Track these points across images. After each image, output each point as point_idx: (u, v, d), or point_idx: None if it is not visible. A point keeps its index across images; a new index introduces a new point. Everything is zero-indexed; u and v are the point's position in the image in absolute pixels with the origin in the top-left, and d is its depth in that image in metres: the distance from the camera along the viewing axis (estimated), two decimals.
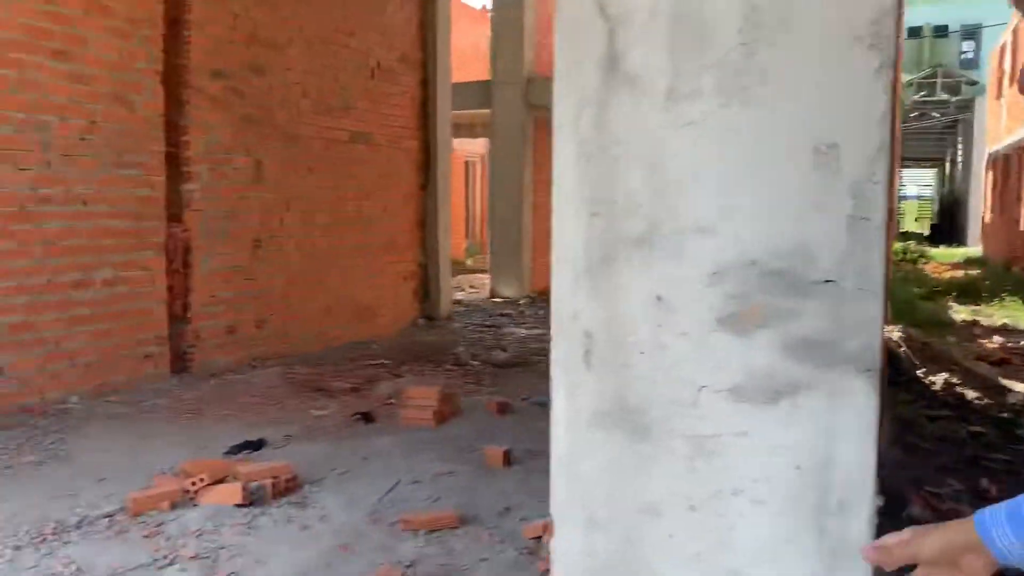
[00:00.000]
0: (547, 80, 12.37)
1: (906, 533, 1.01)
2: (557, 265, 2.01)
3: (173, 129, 6.39)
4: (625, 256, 1.95)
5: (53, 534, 3.59)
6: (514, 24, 12.30)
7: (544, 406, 6.06)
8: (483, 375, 7.05)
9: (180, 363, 6.52)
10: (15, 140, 5.20)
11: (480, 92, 12.63)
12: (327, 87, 8.04)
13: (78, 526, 3.68)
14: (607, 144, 1.96)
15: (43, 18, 5.32)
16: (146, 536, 3.57)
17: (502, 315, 10.79)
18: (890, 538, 1.01)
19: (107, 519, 3.74)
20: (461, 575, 3.27)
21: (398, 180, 9.32)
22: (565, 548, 2.05)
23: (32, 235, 5.34)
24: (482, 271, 15.90)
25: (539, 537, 3.43)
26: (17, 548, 3.43)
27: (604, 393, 1.98)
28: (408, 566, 3.28)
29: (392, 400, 6.02)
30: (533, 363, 7.63)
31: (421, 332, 9.33)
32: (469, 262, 16.90)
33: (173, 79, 6.37)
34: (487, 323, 10.08)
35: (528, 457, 4.67)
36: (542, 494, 4.07)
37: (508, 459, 4.51)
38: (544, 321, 10.24)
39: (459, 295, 12.11)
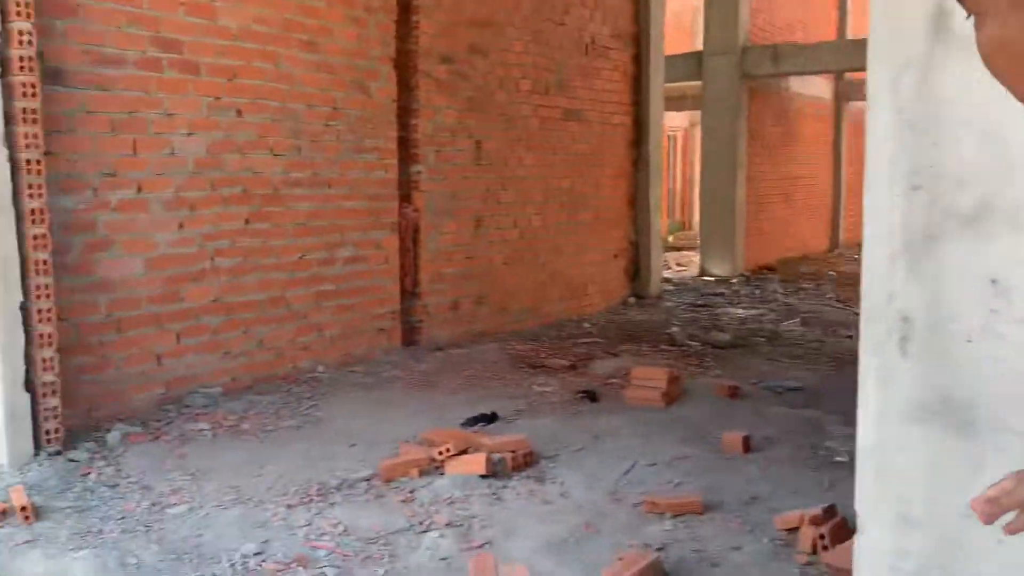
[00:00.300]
0: (763, 48, 11.84)
1: (1009, 481, 0.94)
2: (870, 242, 1.86)
3: (404, 113, 6.66)
4: (953, 233, 1.77)
5: (318, 495, 3.84)
6: None
7: (777, 392, 5.82)
8: (704, 356, 6.87)
9: (409, 337, 6.83)
10: (271, 128, 5.60)
11: (688, 64, 12.26)
12: (543, 65, 8.09)
13: (339, 488, 3.93)
14: (932, 111, 1.78)
15: (297, 12, 5.69)
16: (402, 501, 3.75)
17: (714, 294, 10.48)
18: (994, 489, 0.95)
19: (364, 483, 3.97)
20: (715, 562, 3.18)
21: (610, 157, 9.25)
22: (872, 546, 1.92)
23: (284, 216, 5.75)
24: (685, 248, 15.55)
25: (795, 529, 3.28)
26: (289, 507, 3.71)
27: (922, 383, 1.82)
28: (659, 549, 3.23)
29: (613, 379, 6.00)
30: (755, 345, 7.35)
31: (631, 310, 9.24)
32: (671, 239, 16.55)
33: (404, 64, 6.63)
34: (699, 302, 9.83)
35: (767, 445, 4.49)
36: (788, 484, 3.94)
37: (748, 446, 4.35)
38: (763, 301, 9.89)
39: (666, 273, 11.89)
